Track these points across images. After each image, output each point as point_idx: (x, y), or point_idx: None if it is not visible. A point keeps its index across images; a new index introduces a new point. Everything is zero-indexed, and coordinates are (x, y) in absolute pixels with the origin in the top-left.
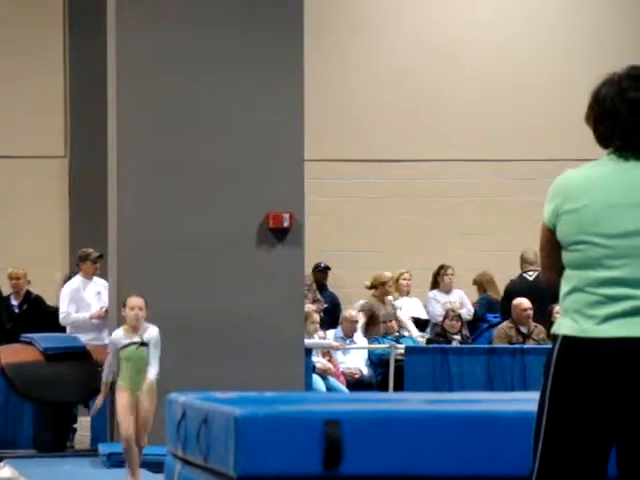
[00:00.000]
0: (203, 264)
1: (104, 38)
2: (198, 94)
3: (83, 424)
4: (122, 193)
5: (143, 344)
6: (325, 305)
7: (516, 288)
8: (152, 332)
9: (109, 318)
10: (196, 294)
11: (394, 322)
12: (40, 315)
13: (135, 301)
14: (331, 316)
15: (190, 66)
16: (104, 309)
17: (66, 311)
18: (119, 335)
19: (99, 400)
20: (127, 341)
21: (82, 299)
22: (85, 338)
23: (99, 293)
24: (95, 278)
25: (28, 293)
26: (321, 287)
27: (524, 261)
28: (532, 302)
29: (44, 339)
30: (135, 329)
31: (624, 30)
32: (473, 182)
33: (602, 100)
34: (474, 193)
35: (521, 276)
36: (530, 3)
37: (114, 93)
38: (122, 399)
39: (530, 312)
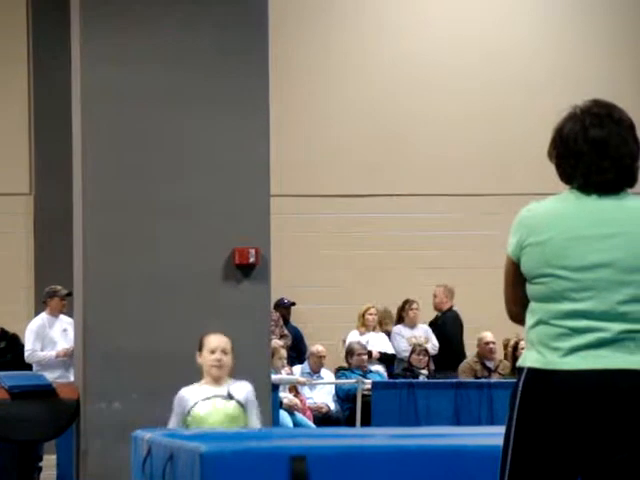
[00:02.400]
0: (170, 301)
1: (69, 74)
2: (163, 131)
3: (49, 462)
4: (87, 231)
5: (231, 397)
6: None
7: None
8: (244, 388)
9: (75, 357)
10: (163, 331)
11: (364, 355)
12: (19, 353)
13: (217, 341)
14: (296, 351)
15: (155, 103)
16: (71, 348)
17: (31, 348)
18: (191, 391)
19: None
20: (207, 395)
21: (48, 336)
22: (51, 376)
23: (65, 330)
24: (61, 315)
25: (4, 330)
26: (284, 322)
27: (452, 295)
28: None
29: (9, 377)
30: (218, 381)
31: (590, 64)
32: (439, 216)
33: (565, 138)
34: (440, 227)
35: (452, 310)
36: (498, 37)
37: (79, 130)
38: None
39: (493, 346)
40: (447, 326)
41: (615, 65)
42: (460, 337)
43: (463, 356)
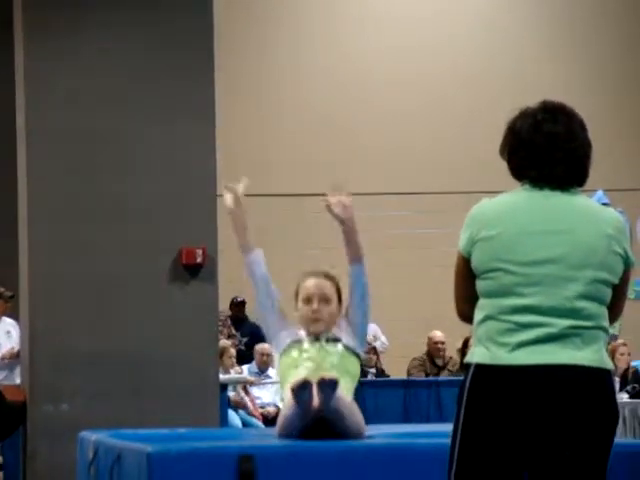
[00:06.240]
0: (117, 301)
1: (12, 73)
2: (109, 131)
3: None
4: (33, 231)
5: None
6: (246, 339)
7: None
8: None
9: (22, 359)
10: (110, 331)
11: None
12: None
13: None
14: (252, 349)
15: (101, 104)
16: (16, 349)
17: None
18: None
19: None
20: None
21: None
22: None
23: (8, 332)
24: (4, 317)
25: None
26: (241, 321)
27: None
28: None
29: None
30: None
31: (542, 68)
32: (380, 215)
33: (518, 131)
34: (382, 226)
35: None
36: (441, 38)
37: (24, 130)
38: None
39: (442, 345)
40: None
41: (572, 69)
42: None
43: None
